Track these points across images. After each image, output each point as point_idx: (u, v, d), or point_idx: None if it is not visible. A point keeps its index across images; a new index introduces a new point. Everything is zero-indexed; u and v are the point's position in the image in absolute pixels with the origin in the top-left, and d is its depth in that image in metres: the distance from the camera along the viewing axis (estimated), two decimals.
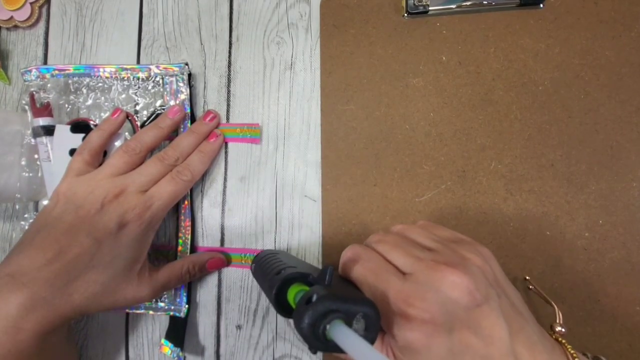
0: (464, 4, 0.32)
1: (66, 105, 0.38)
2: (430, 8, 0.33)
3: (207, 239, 0.36)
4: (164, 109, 0.36)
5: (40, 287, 0.27)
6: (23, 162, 0.37)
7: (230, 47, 0.37)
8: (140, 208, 0.30)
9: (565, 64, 0.32)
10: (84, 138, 0.35)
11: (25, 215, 0.38)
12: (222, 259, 0.35)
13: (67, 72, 0.36)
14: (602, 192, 0.31)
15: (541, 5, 0.32)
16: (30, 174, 0.37)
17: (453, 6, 0.33)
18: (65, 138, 0.35)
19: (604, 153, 0.31)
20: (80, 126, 0.36)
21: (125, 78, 0.36)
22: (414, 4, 0.33)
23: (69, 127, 0.36)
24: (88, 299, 0.29)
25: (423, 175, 0.33)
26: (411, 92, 0.33)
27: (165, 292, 0.35)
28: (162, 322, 0.37)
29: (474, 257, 0.23)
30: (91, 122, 0.37)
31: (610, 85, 0.31)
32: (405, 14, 0.33)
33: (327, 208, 0.34)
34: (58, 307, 0.28)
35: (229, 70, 0.37)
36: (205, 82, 0.37)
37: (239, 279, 0.36)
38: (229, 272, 0.36)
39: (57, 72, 0.36)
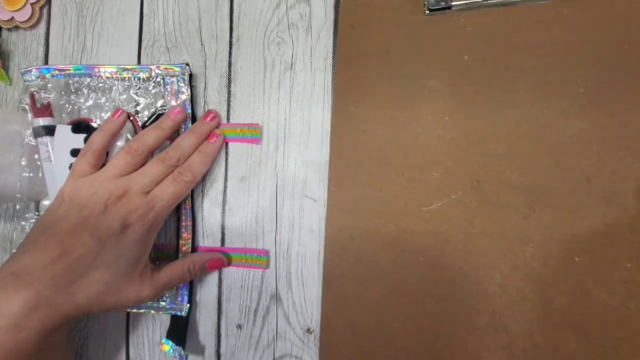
0: None
1: (67, 106, 0.38)
2: (453, 3, 0.30)
3: (208, 238, 0.37)
4: (165, 110, 0.36)
5: (44, 285, 0.27)
6: (23, 162, 0.37)
7: (230, 48, 0.37)
8: (143, 209, 0.30)
9: (614, 61, 0.27)
10: (85, 138, 0.35)
11: (27, 215, 0.38)
12: (223, 259, 0.35)
13: (67, 72, 0.36)
14: None
15: None
16: (31, 174, 0.37)
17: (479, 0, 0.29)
18: (67, 138, 0.35)
19: None
20: (82, 126, 0.36)
21: (127, 78, 0.36)
22: (435, 0, 0.30)
23: (70, 127, 0.36)
24: (91, 299, 0.29)
25: (432, 182, 0.30)
26: (426, 93, 0.31)
27: (166, 292, 0.35)
28: (162, 322, 0.37)
29: None
30: (92, 123, 0.37)
31: None
32: (427, 11, 0.31)
33: (331, 210, 0.33)
34: (61, 306, 0.28)
35: (230, 71, 0.37)
36: (205, 83, 0.37)
37: (239, 278, 0.36)
38: (229, 272, 0.36)
39: (57, 72, 0.36)
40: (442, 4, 0.30)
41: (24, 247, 0.30)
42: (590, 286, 0.26)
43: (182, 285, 0.35)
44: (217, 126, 0.36)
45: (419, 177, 0.31)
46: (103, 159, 0.34)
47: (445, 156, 0.30)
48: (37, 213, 0.39)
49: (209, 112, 0.35)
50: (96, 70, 0.36)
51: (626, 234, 0.26)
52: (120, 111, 0.35)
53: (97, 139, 0.33)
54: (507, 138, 0.29)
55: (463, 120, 0.30)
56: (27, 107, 0.37)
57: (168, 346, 0.34)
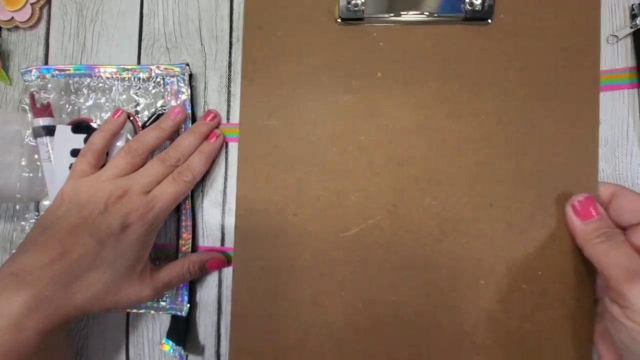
0: (404, 13, 0.28)
1: (67, 106, 0.38)
2: (365, 15, 0.29)
3: (208, 238, 0.37)
4: (165, 110, 0.36)
5: (43, 286, 0.28)
6: (23, 163, 0.37)
7: (230, 48, 0.37)
8: (143, 209, 0.31)
9: (513, 91, 0.28)
10: (85, 138, 0.35)
11: (27, 215, 0.38)
12: (223, 259, 0.35)
13: (67, 72, 0.36)
14: (543, 240, 0.27)
15: (490, 22, 0.28)
16: (31, 174, 0.37)
17: (391, 15, 0.28)
18: (66, 138, 0.35)
19: (548, 196, 0.27)
20: (82, 126, 0.36)
21: (126, 78, 0.36)
22: (347, 9, 0.29)
23: (70, 127, 0.36)
24: (90, 299, 0.29)
25: (349, 207, 0.29)
26: (341, 110, 0.29)
27: (166, 292, 0.35)
28: (162, 322, 0.37)
29: None
30: (92, 123, 0.37)
31: (563, 120, 0.27)
32: (339, 19, 0.29)
33: (240, 237, 0.31)
34: (61, 306, 0.28)
35: (230, 71, 0.37)
36: (205, 83, 0.37)
37: None
38: (229, 272, 0.36)
39: (57, 72, 0.36)
40: (354, 14, 0.29)
41: (24, 247, 0.30)
42: (493, 308, 0.27)
43: (182, 285, 0.35)
44: (217, 126, 0.36)
45: (337, 201, 0.29)
46: (103, 159, 0.34)
47: (362, 179, 0.29)
48: (37, 213, 0.39)
49: (209, 112, 0.35)
50: (96, 70, 0.36)
51: (522, 258, 0.27)
52: (120, 111, 0.35)
53: (97, 139, 0.33)
54: (422, 162, 0.28)
55: (380, 141, 0.29)
56: (27, 107, 0.37)
57: (168, 346, 0.34)
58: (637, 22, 0.30)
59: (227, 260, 0.35)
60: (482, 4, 0.27)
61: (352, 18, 0.29)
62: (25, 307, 0.27)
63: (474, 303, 0.28)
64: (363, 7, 0.28)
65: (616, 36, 0.31)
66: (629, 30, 0.31)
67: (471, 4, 0.27)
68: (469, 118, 0.28)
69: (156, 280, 0.32)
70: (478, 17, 0.28)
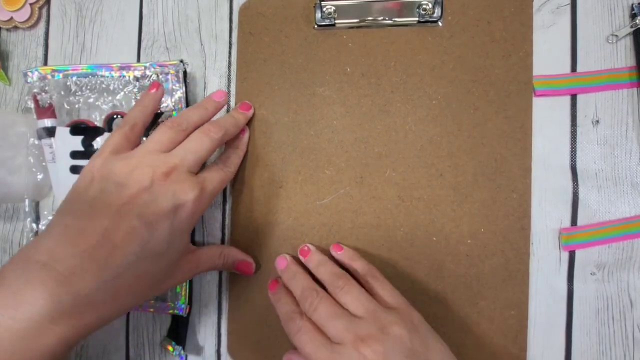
0: (367, 19, 0.34)
1: (66, 106, 0.38)
2: (336, 22, 0.34)
3: (208, 238, 0.37)
4: (164, 108, 0.36)
5: (80, 280, 0.23)
6: (29, 164, 0.37)
7: (230, 48, 0.37)
8: (198, 189, 0.27)
9: (458, 79, 0.33)
10: (84, 140, 0.35)
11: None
12: (251, 266, 0.34)
13: (67, 72, 0.36)
14: (484, 201, 0.32)
15: (439, 24, 0.33)
16: (38, 174, 0.37)
17: (357, 20, 0.34)
18: (66, 140, 0.36)
19: (488, 165, 0.32)
20: (80, 128, 0.36)
21: (126, 77, 0.36)
22: (322, 17, 0.34)
23: (68, 129, 0.36)
24: (136, 297, 0.26)
25: (325, 179, 0.34)
26: (317, 100, 0.35)
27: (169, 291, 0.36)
28: (162, 322, 0.37)
29: (397, 327, 0.25)
30: (91, 124, 0.37)
31: (498, 102, 0.32)
32: (316, 26, 0.34)
33: (236, 207, 0.35)
34: (100, 307, 0.24)
35: (229, 71, 0.37)
36: (205, 83, 0.37)
37: None
38: (229, 273, 0.36)
39: (56, 72, 0.36)
40: (327, 21, 0.34)
41: (50, 231, 0.25)
42: (443, 260, 0.33)
43: (183, 285, 0.35)
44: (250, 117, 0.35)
45: (314, 175, 0.34)
46: (141, 135, 0.31)
47: (334, 156, 0.34)
48: (38, 214, 0.39)
49: (243, 103, 0.35)
50: (104, 69, 0.36)
51: (467, 217, 0.32)
52: (157, 84, 0.32)
53: (136, 112, 0.30)
54: (384, 140, 0.34)
55: (349, 125, 0.34)
56: (32, 107, 0.37)
57: (171, 345, 0.35)
58: (637, 21, 0.30)
59: (254, 270, 0.35)
60: (433, 9, 0.32)
61: (326, 24, 0.34)
62: (54, 306, 0.22)
63: (427, 256, 0.33)
64: (335, 15, 0.34)
65: (616, 36, 0.31)
66: (629, 30, 0.31)
67: (424, 9, 0.32)
68: (421, 103, 0.33)
69: (195, 262, 0.30)
70: (429, 20, 0.33)
